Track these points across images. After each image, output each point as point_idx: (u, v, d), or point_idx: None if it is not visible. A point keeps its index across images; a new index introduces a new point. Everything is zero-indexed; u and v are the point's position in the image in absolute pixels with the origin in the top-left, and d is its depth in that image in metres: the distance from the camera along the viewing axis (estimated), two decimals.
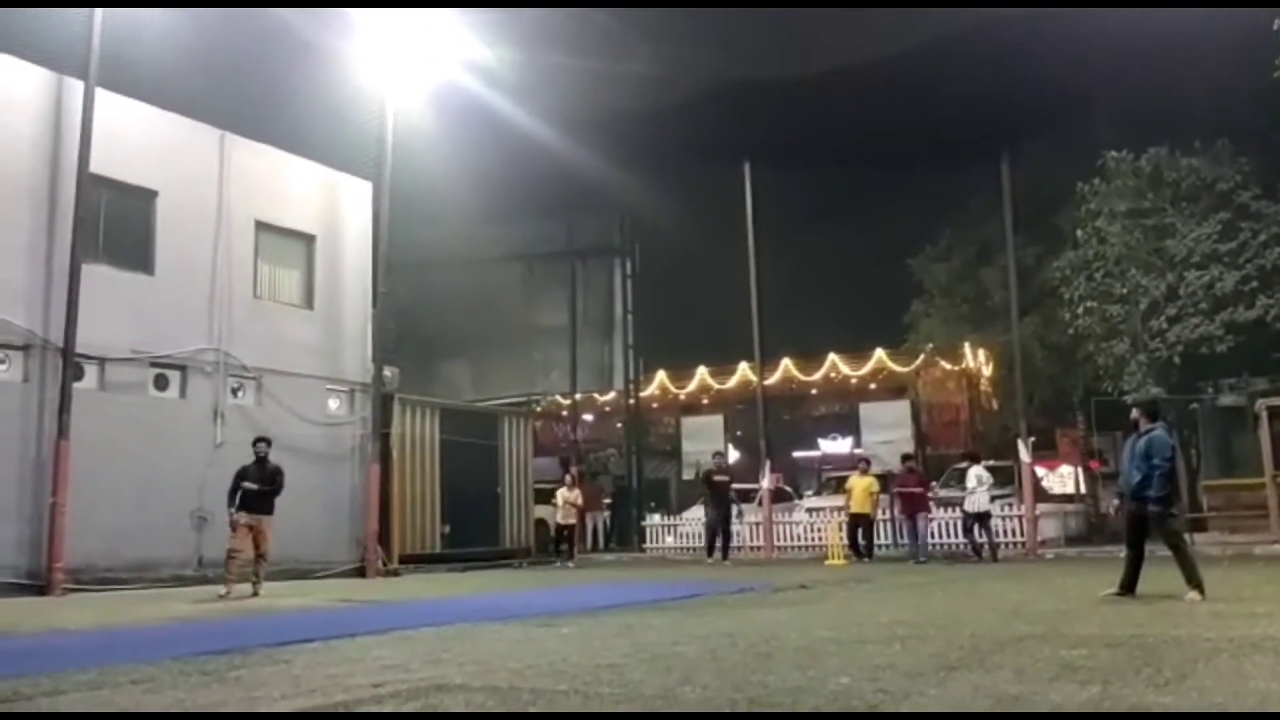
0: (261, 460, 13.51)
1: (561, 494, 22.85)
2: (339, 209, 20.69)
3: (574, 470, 26.44)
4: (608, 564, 23.71)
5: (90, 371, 16.05)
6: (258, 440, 13.68)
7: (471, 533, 22.55)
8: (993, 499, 19.87)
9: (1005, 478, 23.12)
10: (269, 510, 13.37)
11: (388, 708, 4.86)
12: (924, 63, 22.95)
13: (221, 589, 13.12)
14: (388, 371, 20.75)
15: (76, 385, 15.48)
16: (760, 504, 24.61)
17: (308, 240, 20.08)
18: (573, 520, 22.89)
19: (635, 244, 34.44)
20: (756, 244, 24.94)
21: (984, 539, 19.41)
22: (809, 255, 30.81)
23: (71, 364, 15.40)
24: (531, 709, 4.76)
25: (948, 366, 30.78)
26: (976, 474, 19.62)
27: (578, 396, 34.55)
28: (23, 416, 15.18)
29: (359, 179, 21.00)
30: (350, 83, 20.45)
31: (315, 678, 5.88)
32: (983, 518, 19.46)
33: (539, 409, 31.68)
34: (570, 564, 22.00)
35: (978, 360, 31.30)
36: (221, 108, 18.34)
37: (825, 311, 30.59)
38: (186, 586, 13.72)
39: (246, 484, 13.22)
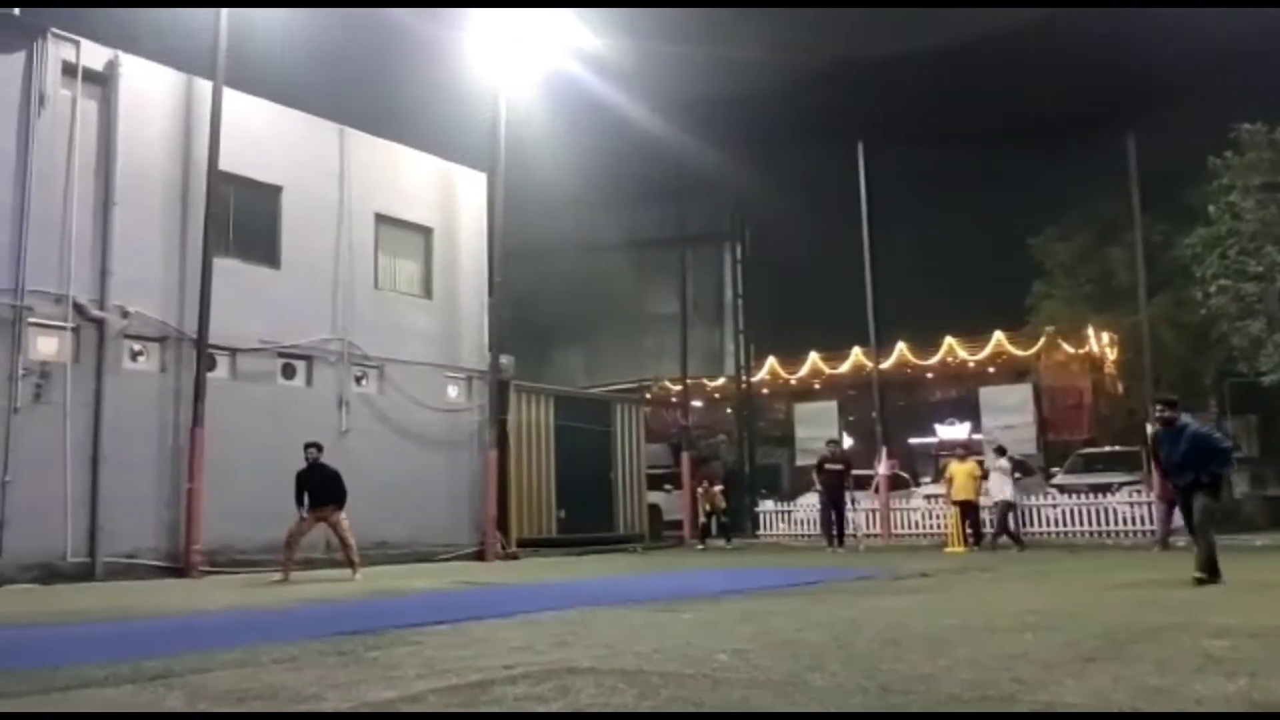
0: (314, 465, 13.81)
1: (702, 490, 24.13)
2: (455, 200, 21.05)
3: (688, 455, 26.46)
4: (721, 551, 23.69)
5: (222, 362, 16.67)
6: (308, 445, 13.90)
7: (586, 517, 22.79)
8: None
9: (1132, 464, 22.39)
10: (330, 501, 13.64)
11: (520, 689, 4.94)
12: (1044, 34, 22.27)
13: (277, 575, 13.62)
14: (504, 359, 21.10)
15: (209, 375, 16.11)
16: (876, 491, 24.30)
17: (425, 232, 20.50)
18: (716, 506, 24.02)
19: (746, 228, 34.25)
20: (870, 225, 24.56)
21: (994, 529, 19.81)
22: (924, 236, 30.20)
23: (205, 355, 16.04)
24: (661, 692, 4.78)
25: (1071, 349, 29.86)
26: (1004, 465, 20.10)
27: (688, 382, 34.57)
28: (160, 406, 15.86)
29: (474, 170, 21.33)
30: (463, 75, 20.79)
31: (447, 659, 6.01)
32: (1008, 507, 19.83)
33: (649, 395, 31.75)
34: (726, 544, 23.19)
35: (1102, 343, 30.32)
36: (341, 103, 18.84)
37: (941, 294, 29.92)
38: (316, 569, 14.16)
39: (306, 491, 13.65)
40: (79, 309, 15.04)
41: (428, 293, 20.47)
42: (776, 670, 5.45)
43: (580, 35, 21.52)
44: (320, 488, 13.66)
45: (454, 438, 20.15)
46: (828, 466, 21.80)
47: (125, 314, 15.50)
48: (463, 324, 20.81)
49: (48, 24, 15.25)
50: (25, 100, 14.86)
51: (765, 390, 34.52)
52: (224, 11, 16.40)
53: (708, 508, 24.43)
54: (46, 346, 14.73)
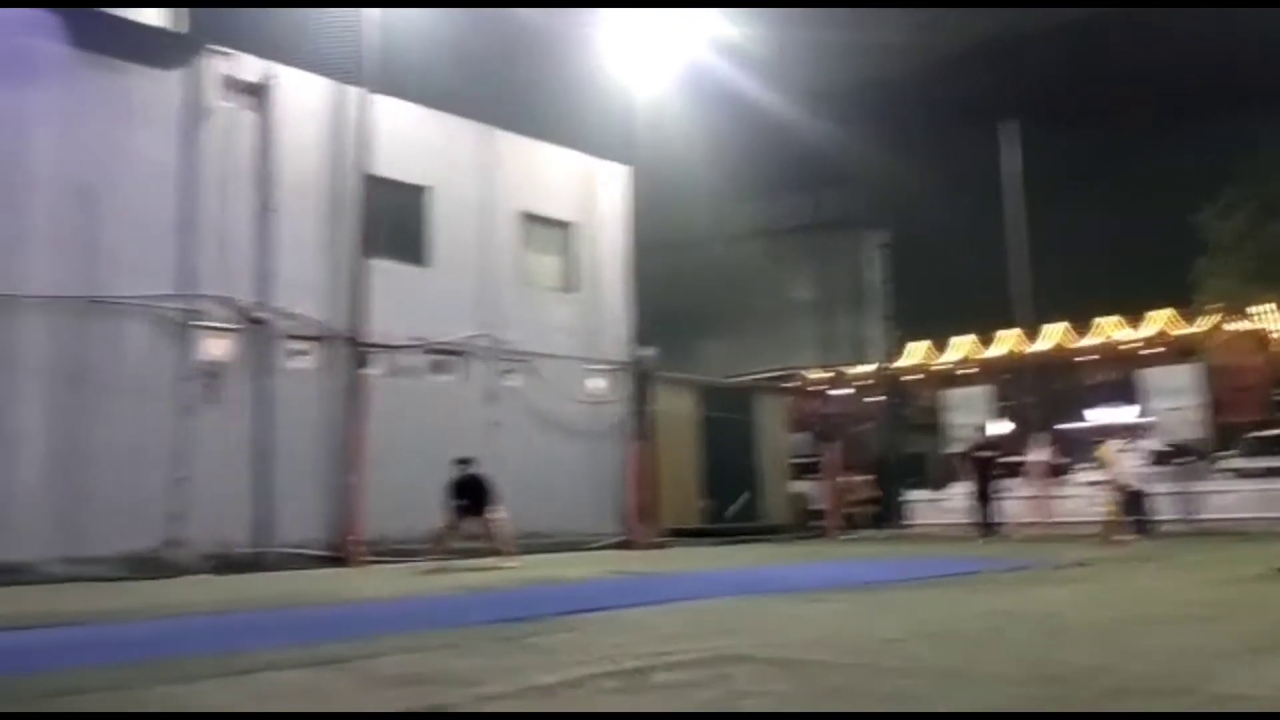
0: (462, 480, 14.37)
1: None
2: (596, 194, 21.28)
3: (832, 445, 26.15)
4: (868, 540, 23.35)
5: (377, 359, 17.25)
6: (457, 461, 14.54)
7: (731, 506, 22.78)
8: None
9: None
10: (480, 511, 14.26)
11: (678, 675, 4.98)
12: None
13: (432, 564, 14.01)
14: (646, 350, 21.27)
15: (365, 372, 16.73)
16: (1031, 478, 23.55)
17: (568, 227, 20.79)
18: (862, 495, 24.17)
19: (888, 213, 33.62)
20: (1021, 205, 23.83)
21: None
22: (1077, 214, 29.05)
23: (361, 353, 16.67)
24: (819, 680, 4.75)
25: (1241, 327, 28.28)
26: (1139, 448, 19.26)
27: (831, 371, 34.17)
28: (320, 403, 16.52)
29: (614, 163, 21.51)
30: (602, 68, 20.99)
31: (604, 645, 6.11)
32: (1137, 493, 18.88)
33: (791, 384, 31.47)
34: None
35: (1277, 320, 28.60)
36: (484, 103, 19.20)
37: (1097, 273, 28.75)
38: (472, 559, 14.53)
39: (456, 500, 14.26)
40: (243, 311, 15.80)
41: (571, 287, 20.77)
42: (934, 660, 5.36)
43: (716, 25, 21.50)
44: (475, 496, 14.23)
45: (599, 429, 20.41)
46: (978, 455, 21.25)
47: (286, 315, 16.21)
48: (605, 317, 21.04)
49: (206, 40, 16.04)
50: (188, 114, 15.65)
51: (912, 376, 33.79)
52: (372, 19, 16.99)
53: (854, 497, 24.14)
54: (214, 348, 15.51)
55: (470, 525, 14.38)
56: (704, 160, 27.08)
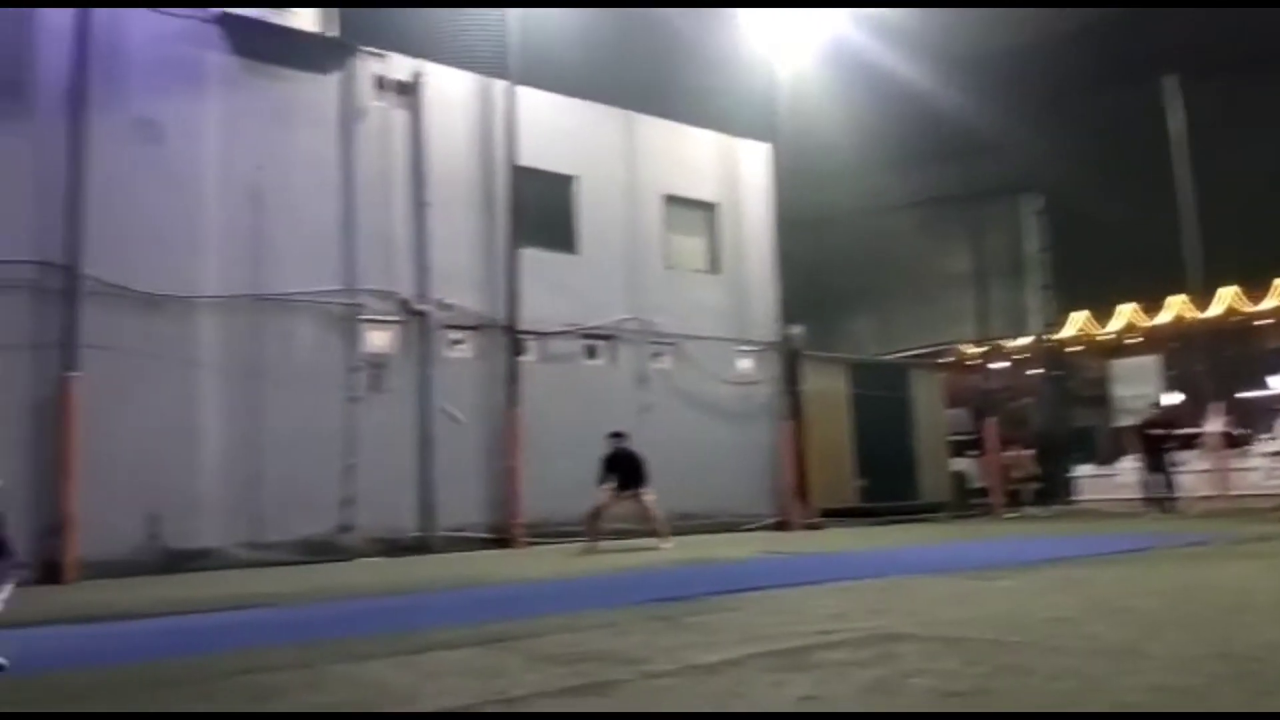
0: (615, 454, 14.53)
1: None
2: (738, 173, 21.17)
3: (993, 420, 25.43)
4: (1034, 518, 22.63)
5: (531, 346, 17.61)
6: (612, 434, 14.75)
7: (887, 486, 22.40)
8: None
9: None
10: (637, 484, 14.38)
11: (840, 654, 4.94)
12: None
13: (584, 545, 14.22)
14: (794, 329, 21.07)
15: (520, 359, 17.12)
16: (1208, 450, 22.42)
17: (711, 208, 20.76)
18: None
19: (1043, 179, 32.34)
20: (1185, 163, 22.64)
21: None
22: (1246, 170, 27.34)
23: (516, 340, 17.06)
24: (988, 659, 4.64)
25: None
26: None
27: (988, 344, 33.18)
28: (479, 390, 16.99)
29: (756, 142, 21.35)
30: (742, 46, 20.84)
31: (765, 624, 6.11)
32: None
33: (946, 360, 30.69)
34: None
35: None
36: (625, 88, 19.33)
37: (1273, 232, 27.01)
38: (629, 539, 14.71)
39: (610, 474, 14.44)
40: (403, 304, 16.36)
41: (716, 268, 20.74)
42: (1110, 638, 5.17)
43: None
44: (628, 471, 14.37)
45: (749, 410, 20.35)
46: (1150, 432, 20.40)
47: (444, 306, 16.69)
48: (752, 297, 20.93)
49: (358, 42, 16.62)
50: (344, 115, 16.26)
51: (1074, 347, 32.50)
52: (515, 14, 17.30)
53: (1017, 474, 23.42)
54: (378, 339, 16.12)
55: (621, 503, 14.52)
56: (850, 133, 26.58)
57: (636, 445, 14.77)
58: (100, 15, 13.91)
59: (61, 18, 13.70)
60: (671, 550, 13.56)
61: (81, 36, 13.70)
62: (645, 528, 14.60)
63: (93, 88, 13.72)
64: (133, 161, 14.09)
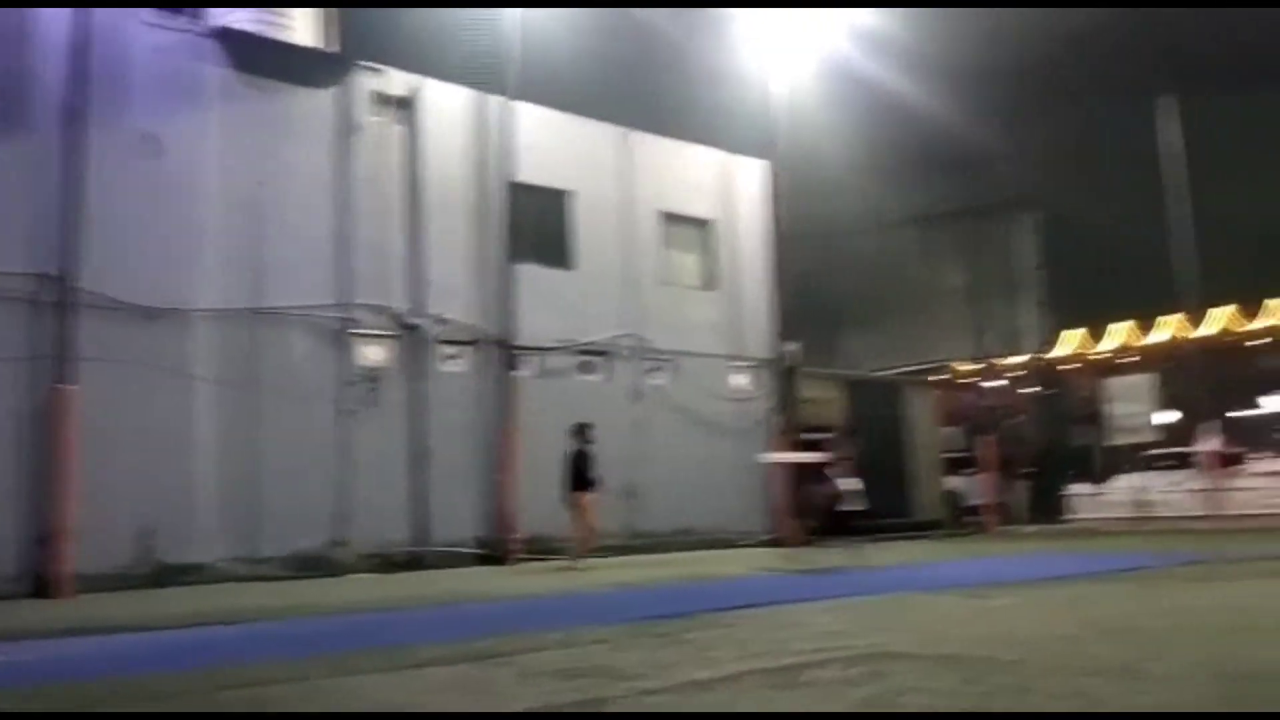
0: (572, 455, 14.32)
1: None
2: (735, 190, 21.19)
3: (987, 439, 25.44)
4: (1029, 536, 22.59)
5: (526, 361, 17.56)
6: (573, 430, 14.49)
7: (882, 503, 22.28)
8: None
9: None
10: (577, 487, 14.17)
11: (833, 672, 4.90)
12: None
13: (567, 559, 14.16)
14: (790, 346, 21.05)
15: (515, 374, 17.07)
16: (1203, 469, 22.45)
17: (708, 225, 20.78)
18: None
19: (1041, 196, 32.46)
20: (1182, 182, 22.76)
21: None
22: (1243, 191, 27.45)
23: (510, 355, 17.02)
24: (986, 678, 4.60)
25: None
26: None
27: (983, 362, 33.19)
28: (473, 405, 16.93)
29: (753, 159, 21.38)
30: (738, 63, 20.88)
31: (760, 641, 6.07)
32: None
33: (941, 377, 30.69)
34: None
35: None
36: (622, 105, 19.33)
37: (1267, 252, 27.08)
38: (623, 555, 14.66)
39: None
40: (398, 318, 16.32)
41: (712, 284, 20.74)
42: (1111, 657, 5.14)
43: (854, 12, 21.15)
44: (572, 471, 14.21)
45: (745, 426, 20.30)
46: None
47: (439, 321, 16.66)
48: (747, 313, 20.93)
49: (356, 57, 16.63)
50: (341, 129, 16.26)
51: (1070, 365, 32.52)
52: (511, 26, 17.32)
53: (1010, 495, 23.36)
54: (373, 354, 16.07)
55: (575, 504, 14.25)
56: (847, 149, 26.67)
57: (637, 458, 14.55)
58: (98, 29, 13.89)
59: (59, 32, 13.68)
60: (582, 571, 13.23)
61: (79, 51, 13.67)
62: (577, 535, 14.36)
63: (91, 101, 13.70)
64: (130, 175, 14.05)
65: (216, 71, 15.07)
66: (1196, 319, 26.36)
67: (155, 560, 13.50)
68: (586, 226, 18.83)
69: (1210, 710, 3.91)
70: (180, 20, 14.91)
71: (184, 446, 14.07)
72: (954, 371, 33.02)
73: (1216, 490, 22.01)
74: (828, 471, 12.81)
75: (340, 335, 15.73)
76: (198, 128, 14.79)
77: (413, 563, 15.51)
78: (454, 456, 16.41)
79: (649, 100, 19.76)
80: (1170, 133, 23.02)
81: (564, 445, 14.61)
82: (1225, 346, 27.77)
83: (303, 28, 16.60)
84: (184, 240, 14.46)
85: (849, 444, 11.57)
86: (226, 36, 15.19)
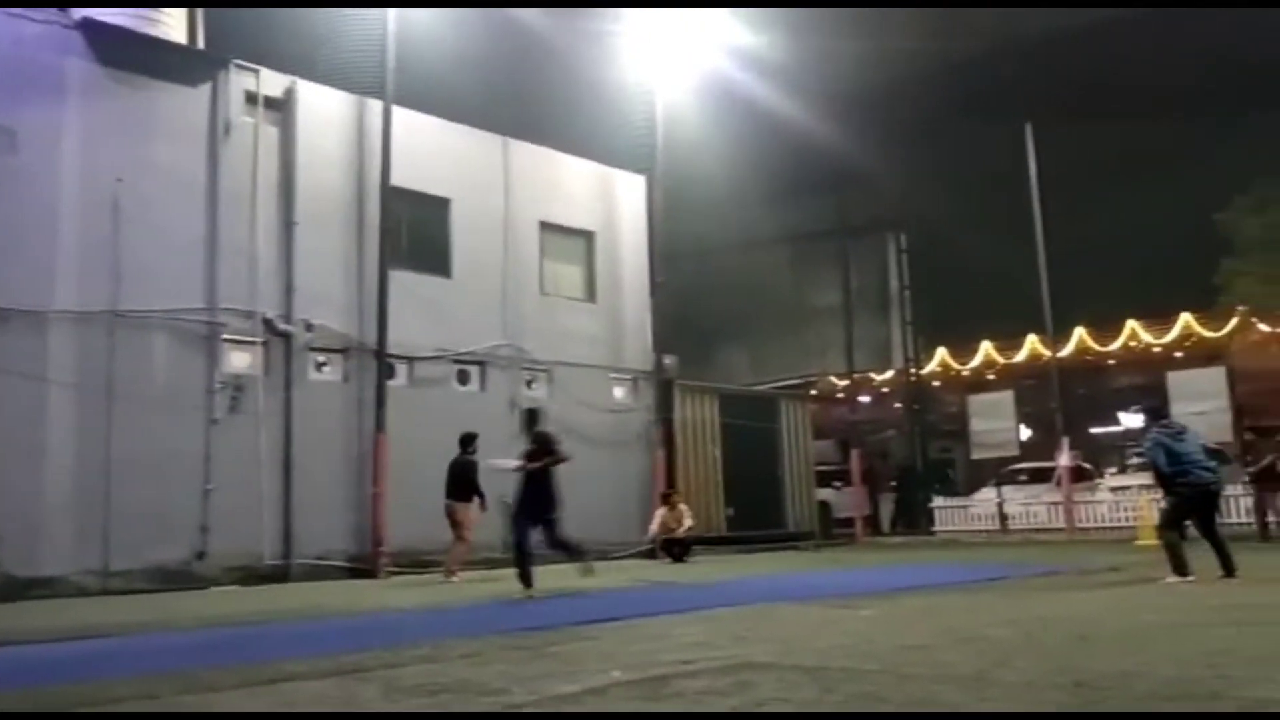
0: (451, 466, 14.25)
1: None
2: (615, 204, 21.31)
3: (857, 452, 26.10)
4: (896, 547, 23.23)
5: (400, 370, 17.31)
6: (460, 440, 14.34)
7: (755, 515, 22.67)
8: None
9: None
10: (452, 496, 14.15)
11: (700, 683, 4.96)
12: None
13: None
14: (668, 359, 21.25)
15: (389, 383, 16.77)
16: (1058, 483, 23.43)
17: (587, 236, 20.83)
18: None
19: (909, 217, 33.51)
20: (1042, 208, 23.78)
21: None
22: (1099, 217, 28.83)
23: (384, 364, 16.72)
24: (843, 687, 4.72)
25: (1268, 329, 27.98)
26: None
27: (854, 377, 34.06)
28: (344, 414, 16.58)
29: (632, 173, 21.53)
30: (619, 78, 21.05)
31: (627, 653, 6.09)
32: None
33: (814, 391, 31.38)
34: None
35: None
36: (502, 114, 19.30)
37: (1121, 276, 28.46)
38: (491, 569, 14.52)
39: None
40: (267, 324, 15.87)
41: (592, 296, 20.79)
42: (963, 666, 5.31)
43: (733, 32, 21.51)
44: (452, 484, 14.11)
45: (622, 438, 20.39)
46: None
47: (309, 327, 16.28)
48: (627, 326, 21.05)
49: (230, 56, 16.19)
50: (212, 129, 15.78)
51: (936, 382, 33.63)
52: (391, 32, 17.06)
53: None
54: (239, 360, 15.62)
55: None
56: (726, 167, 27.05)
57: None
58: None
59: None
60: (457, 586, 13.14)
61: None
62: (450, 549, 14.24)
63: None
64: None
65: (80, 65, 14.49)
66: (1057, 339, 27.49)
67: (2, 573, 12.85)
68: (465, 234, 18.66)
69: (1054, 712, 4.09)
70: (48, 13, 14.29)
71: (35, 453, 13.45)
72: (827, 386, 33.78)
73: (1071, 504, 22.99)
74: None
75: (206, 340, 15.23)
76: (58, 122, 14.20)
77: (278, 575, 15.10)
78: (323, 466, 16.06)
79: (532, 112, 19.78)
80: (1031, 158, 24.05)
81: (440, 456, 14.42)
82: (1083, 365, 29.05)
83: (174, 24, 16.09)
84: (40, 238, 13.86)
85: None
86: (92, 30, 14.61)
